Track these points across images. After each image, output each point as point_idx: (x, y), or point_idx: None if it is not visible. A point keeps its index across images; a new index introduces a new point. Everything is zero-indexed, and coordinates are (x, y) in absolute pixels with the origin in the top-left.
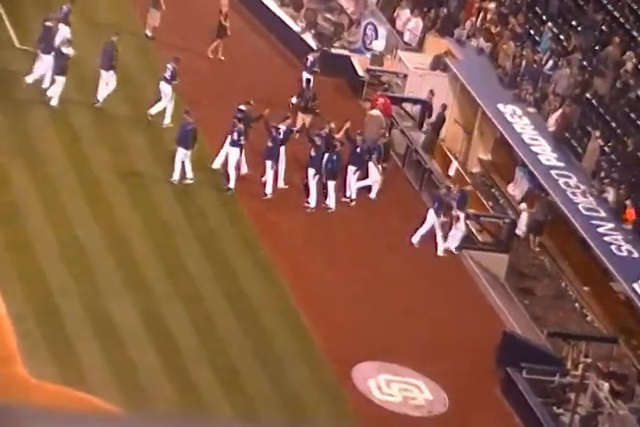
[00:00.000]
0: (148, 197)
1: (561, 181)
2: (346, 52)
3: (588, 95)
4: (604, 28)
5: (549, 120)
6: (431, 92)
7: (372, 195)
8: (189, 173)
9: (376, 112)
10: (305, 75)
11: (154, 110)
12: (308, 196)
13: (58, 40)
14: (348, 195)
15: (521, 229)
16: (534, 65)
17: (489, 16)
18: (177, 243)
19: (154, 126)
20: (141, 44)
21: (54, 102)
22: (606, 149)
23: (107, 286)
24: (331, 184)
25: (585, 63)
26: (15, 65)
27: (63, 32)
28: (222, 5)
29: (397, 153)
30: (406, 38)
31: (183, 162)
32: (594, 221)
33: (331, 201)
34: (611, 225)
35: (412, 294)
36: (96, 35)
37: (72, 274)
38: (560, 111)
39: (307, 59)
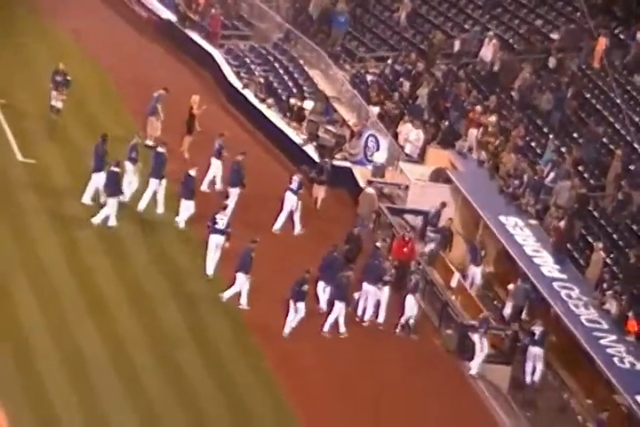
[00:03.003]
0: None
1: (563, 292)
2: (347, 164)
3: (589, 207)
4: (605, 140)
5: (551, 232)
6: (443, 204)
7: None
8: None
9: (370, 190)
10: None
11: (278, 225)
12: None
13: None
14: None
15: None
16: (535, 177)
17: (490, 129)
18: (177, 355)
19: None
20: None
21: (182, 225)
22: (608, 260)
23: (107, 396)
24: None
25: (586, 175)
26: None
27: (215, 167)
28: (192, 102)
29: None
30: (407, 150)
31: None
32: (596, 333)
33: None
34: (613, 337)
35: (415, 408)
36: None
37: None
38: (562, 223)
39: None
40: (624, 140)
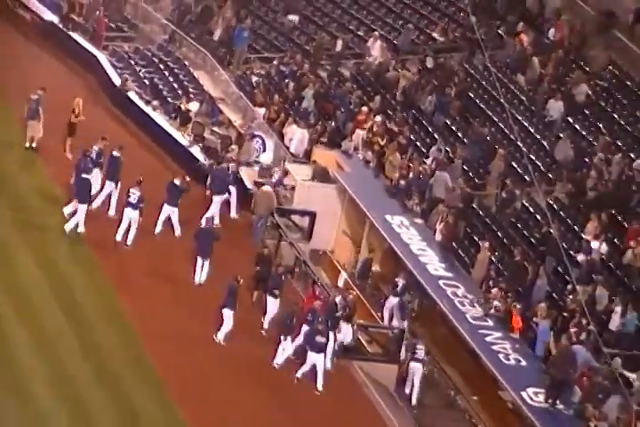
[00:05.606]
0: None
1: (449, 290)
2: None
3: (474, 206)
4: (489, 138)
5: (436, 231)
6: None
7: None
8: None
9: (267, 188)
10: None
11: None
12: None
13: None
14: None
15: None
16: (420, 176)
17: (375, 128)
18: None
19: None
20: (24, 157)
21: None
22: (493, 258)
23: None
24: None
25: (471, 174)
26: None
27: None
28: (75, 105)
29: (287, 265)
30: (293, 150)
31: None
32: (481, 331)
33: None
34: (498, 334)
35: (303, 406)
36: None
37: None
38: (445, 222)
39: None
40: (508, 138)
